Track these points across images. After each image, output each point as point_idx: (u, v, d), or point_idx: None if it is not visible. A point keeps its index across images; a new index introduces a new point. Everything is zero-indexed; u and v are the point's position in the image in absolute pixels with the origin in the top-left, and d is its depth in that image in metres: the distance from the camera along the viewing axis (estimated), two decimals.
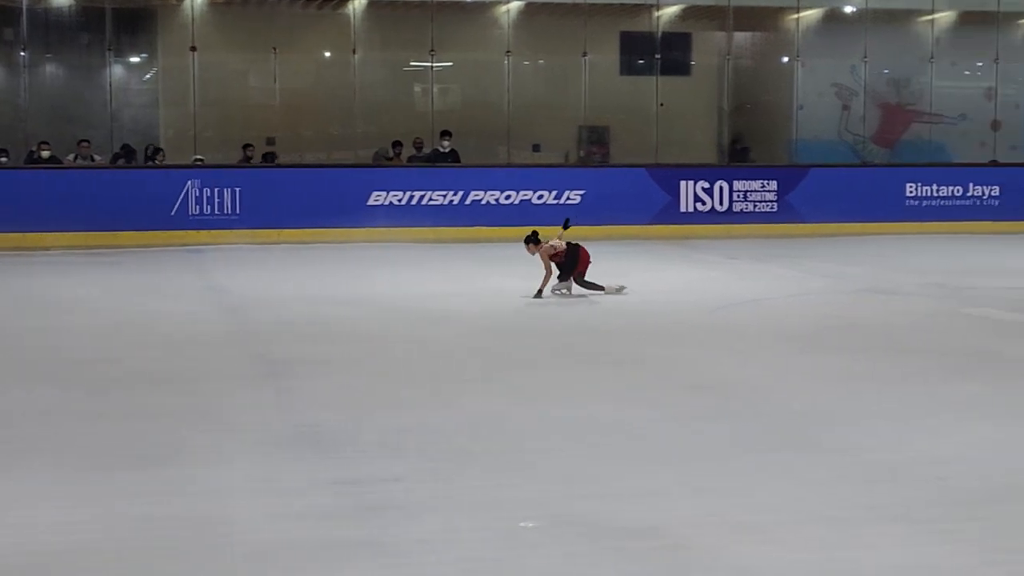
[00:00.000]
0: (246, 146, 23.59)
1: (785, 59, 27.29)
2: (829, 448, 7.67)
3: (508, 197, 22.79)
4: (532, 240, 14.92)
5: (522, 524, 6.18)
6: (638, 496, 6.68)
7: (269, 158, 23.98)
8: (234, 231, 21.67)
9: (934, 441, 7.87)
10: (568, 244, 14.87)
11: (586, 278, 14.82)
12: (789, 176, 24.06)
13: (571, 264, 14.82)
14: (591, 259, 14.97)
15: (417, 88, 26.53)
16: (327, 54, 26.37)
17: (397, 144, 24.09)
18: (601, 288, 14.72)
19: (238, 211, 21.86)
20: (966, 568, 5.61)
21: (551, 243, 14.84)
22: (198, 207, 21.77)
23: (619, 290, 14.79)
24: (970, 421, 8.43)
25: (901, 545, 5.90)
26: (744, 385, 9.66)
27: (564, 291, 14.79)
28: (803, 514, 6.36)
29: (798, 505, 6.50)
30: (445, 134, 23.73)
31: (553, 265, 14.79)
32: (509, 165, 24.08)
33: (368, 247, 21.04)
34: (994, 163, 26.53)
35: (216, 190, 21.81)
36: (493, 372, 10.30)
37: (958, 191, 24.42)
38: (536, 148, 26.14)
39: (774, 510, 6.42)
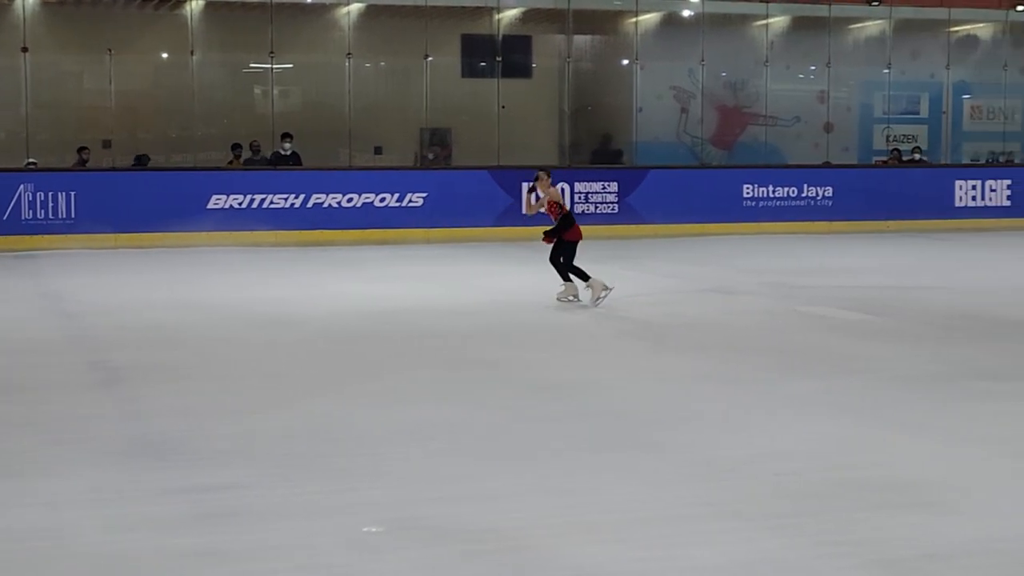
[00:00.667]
0: (81, 149, 23.11)
1: (625, 62, 27.65)
2: (670, 447, 7.81)
3: (350, 200, 22.69)
4: (546, 174, 14.75)
5: (366, 529, 6.19)
6: (483, 498, 6.72)
7: (143, 160, 23.58)
8: (70, 236, 21.20)
9: (773, 438, 8.06)
10: (569, 212, 14.68)
11: (574, 262, 14.38)
12: (629, 178, 24.38)
13: (564, 226, 14.44)
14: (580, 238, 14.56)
15: (257, 90, 26.26)
16: (164, 55, 25.96)
17: (236, 147, 23.83)
18: (587, 277, 14.23)
19: (73, 215, 21.40)
20: (801, 560, 5.76)
21: (559, 198, 14.67)
22: (31, 211, 21.26)
23: (604, 290, 14.22)
24: (807, 418, 8.65)
25: (738, 540, 6.03)
26: (587, 386, 9.78)
27: (571, 297, 14.36)
28: (644, 513, 6.46)
29: (639, 504, 6.61)
30: (286, 136, 23.53)
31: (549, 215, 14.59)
32: (351, 168, 23.98)
33: (208, 251, 20.77)
34: (827, 164, 27.23)
35: (50, 194, 21.33)
36: (337, 376, 10.26)
37: (793, 192, 25.00)
38: (378, 150, 26.07)
39: (616, 510, 6.52)
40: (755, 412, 8.83)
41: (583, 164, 25.86)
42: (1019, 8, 28.05)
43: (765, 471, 7.23)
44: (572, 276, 14.36)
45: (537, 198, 14.79)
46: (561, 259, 14.42)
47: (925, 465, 7.41)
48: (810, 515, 6.43)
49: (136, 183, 22.22)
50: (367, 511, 6.45)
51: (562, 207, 14.67)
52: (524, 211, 14.86)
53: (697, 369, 10.52)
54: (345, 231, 22.39)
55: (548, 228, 14.54)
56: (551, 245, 14.50)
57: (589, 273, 14.29)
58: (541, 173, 14.74)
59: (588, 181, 23.86)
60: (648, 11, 27.27)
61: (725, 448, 7.78)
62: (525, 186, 22.97)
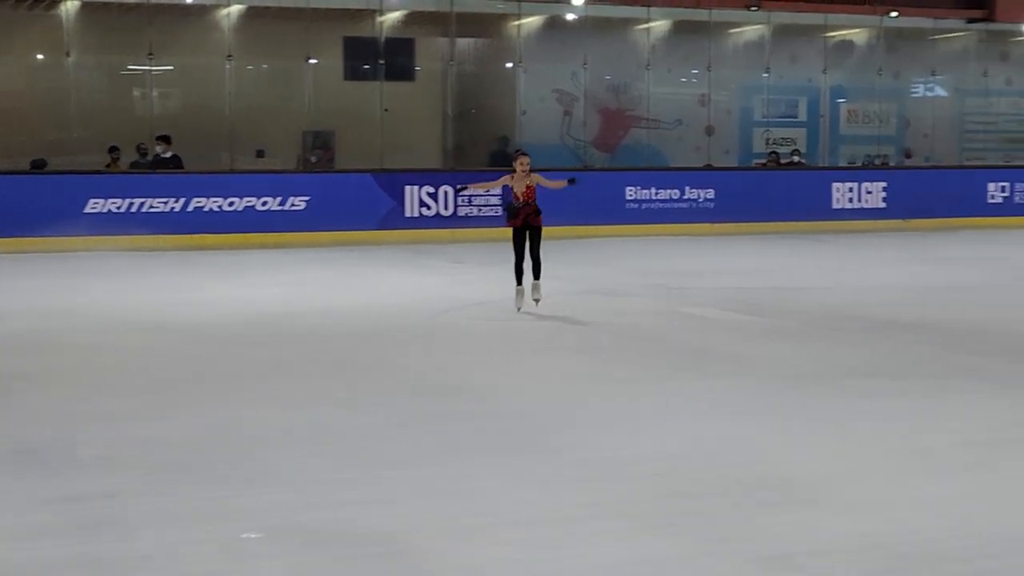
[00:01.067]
0: None
1: (508, 65, 27.69)
2: (557, 448, 7.80)
3: (231, 204, 22.42)
4: (524, 154, 14.14)
5: (245, 535, 6.08)
6: (367, 502, 6.65)
7: (40, 164, 23.05)
8: None
9: (659, 438, 8.08)
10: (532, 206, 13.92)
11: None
12: None
13: (523, 211, 13.84)
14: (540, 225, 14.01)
15: (136, 92, 25.86)
16: (39, 56, 25.44)
17: (114, 149, 23.41)
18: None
19: None
20: (685, 559, 5.78)
21: (537, 181, 14.01)
22: None
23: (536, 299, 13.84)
24: (692, 418, 8.70)
25: (623, 540, 6.03)
26: (472, 388, 9.74)
27: (533, 301, 13.85)
28: (531, 514, 6.44)
29: (526, 506, 6.58)
30: (160, 139, 23.09)
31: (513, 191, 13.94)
32: (232, 171, 23.70)
33: (86, 256, 20.38)
34: (708, 167, 27.53)
35: None
36: (220, 381, 10.11)
37: (675, 194, 25.21)
38: (260, 154, 25.82)
39: (502, 512, 6.49)
40: (641, 413, 8.86)
41: (467, 167, 25.81)
42: (893, 14, 28.60)
43: (651, 471, 7.25)
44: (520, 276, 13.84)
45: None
46: (537, 252, 13.87)
47: (805, 462, 7.48)
48: (694, 514, 6.45)
49: (10, 187, 21.72)
50: (247, 517, 6.34)
51: (529, 192, 13.94)
52: (477, 188, 14.43)
53: (583, 371, 10.54)
54: (226, 235, 22.11)
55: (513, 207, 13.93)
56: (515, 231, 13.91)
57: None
58: (523, 159, 14.03)
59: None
60: (531, 14, 27.35)
61: (612, 449, 7.78)
62: (415, 189, 23.13)
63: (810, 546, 5.94)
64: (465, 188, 14.82)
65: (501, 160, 26.71)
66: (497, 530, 6.18)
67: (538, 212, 14.03)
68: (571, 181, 14.69)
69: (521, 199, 13.95)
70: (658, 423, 8.54)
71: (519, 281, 13.90)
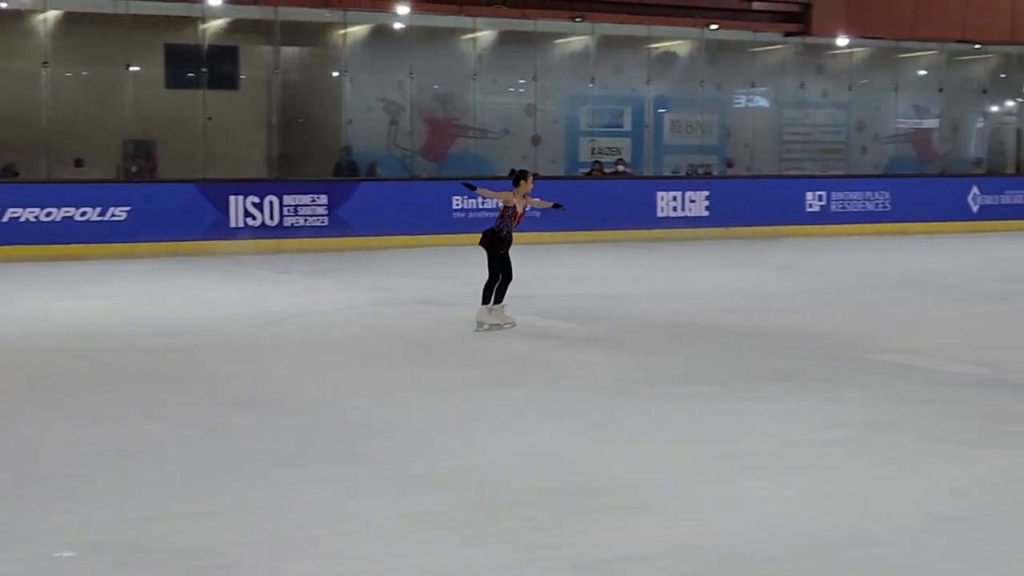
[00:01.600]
0: None
1: (334, 73, 27.53)
2: (379, 459, 7.78)
3: (49, 214, 21.85)
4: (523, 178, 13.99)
5: (57, 555, 5.93)
6: (186, 517, 6.54)
7: (11, 169, 22.16)
8: None
9: (481, 447, 8.12)
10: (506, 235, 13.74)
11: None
12: (340, 190, 24.28)
13: (503, 240, 13.78)
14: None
15: None
16: None
17: None
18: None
19: None
20: (507, 568, 5.81)
21: (524, 202, 13.91)
22: None
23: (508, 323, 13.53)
24: (515, 426, 8.75)
25: (444, 550, 6.05)
26: (293, 399, 9.66)
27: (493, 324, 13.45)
28: (351, 526, 6.41)
29: (347, 517, 6.55)
30: None
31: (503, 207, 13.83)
32: (50, 181, 23.11)
33: None
34: (535, 176, 27.63)
35: None
36: (35, 397, 9.85)
37: (500, 203, 25.27)
38: (79, 163, 25.19)
39: (324, 523, 6.44)
40: (464, 422, 8.88)
41: (293, 177, 25.57)
42: (713, 27, 29.19)
43: (471, 480, 7.28)
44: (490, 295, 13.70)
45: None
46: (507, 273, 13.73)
47: (625, 468, 7.59)
48: (516, 522, 6.50)
49: None
50: (58, 536, 6.19)
51: (514, 210, 13.90)
52: (486, 195, 14.71)
53: (407, 380, 10.53)
54: (44, 247, 21.54)
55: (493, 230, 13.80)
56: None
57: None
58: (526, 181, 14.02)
59: (297, 194, 23.62)
60: (356, 23, 27.24)
61: (432, 459, 7.80)
62: (239, 199, 22.79)
63: (629, 551, 6.03)
64: (473, 188, 14.50)
65: (344, 171, 26.61)
66: (318, 542, 6.14)
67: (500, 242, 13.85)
68: (556, 206, 14.81)
69: (517, 221, 13.86)
70: (479, 432, 8.58)
71: (495, 300, 13.66)
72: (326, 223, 23.78)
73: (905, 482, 7.29)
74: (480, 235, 13.97)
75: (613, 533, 6.30)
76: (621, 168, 28.52)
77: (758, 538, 6.23)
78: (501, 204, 13.95)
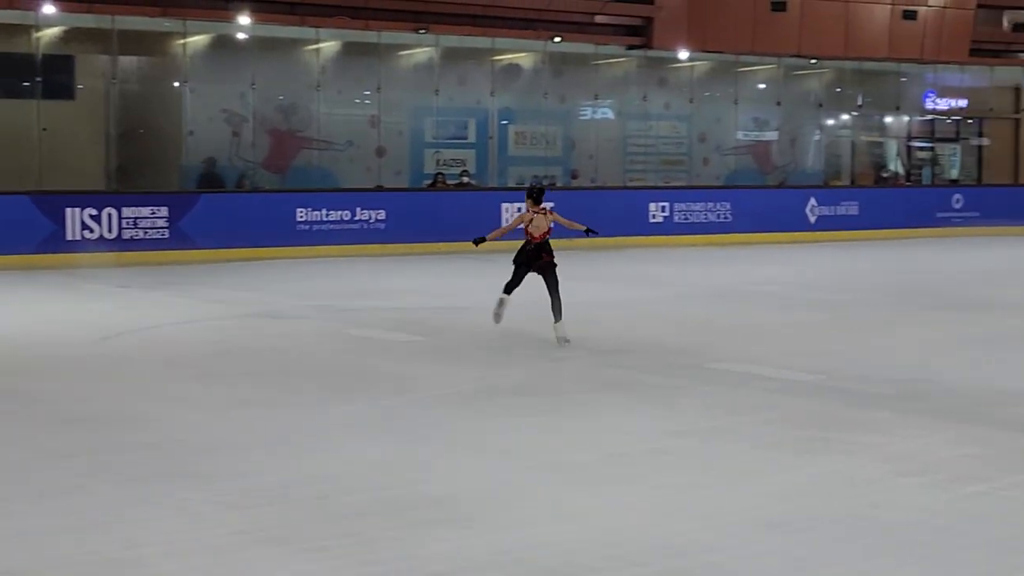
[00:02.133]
0: None
1: (175, 84, 27.12)
2: (211, 476, 7.67)
3: None
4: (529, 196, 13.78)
5: None
6: (15, 537, 6.39)
7: None
8: None
9: (317, 461, 8.07)
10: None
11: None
12: (180, 202, 23.90)
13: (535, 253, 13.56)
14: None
15: None
16: None
17: None
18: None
19: None
20: None
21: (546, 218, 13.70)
22: None
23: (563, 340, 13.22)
24: (352, 439, 8.71)
25: (278, 566, 6.00)
26: (128, 417, 9.49)
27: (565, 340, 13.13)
28: (183, 544, 6.32)
29: (176, 536, 6.45)
30: None
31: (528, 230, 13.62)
32: None
33: None
34: (380, 188, 27.65)
35: None
36: None
37: (347, 215, 25.19)
38: None
39: (156, 542, 6.34)
40: (302, 436, 8.82)
41: (133, 189, 25.12)
42: (556, 40, 29.43)
43: (306, 495, 7.23)
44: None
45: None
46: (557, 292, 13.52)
47: (463, 481, 7.61)
48: (349, 536, 6.47)
49: None
50: None
51: (540, 232, 13.77)
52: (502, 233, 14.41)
53: (245, 395, 10.41)
54: None
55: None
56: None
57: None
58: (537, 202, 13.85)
59: (137, 206, 23.18)
60: (197, 33, 26.88)
61: (268, 474, 7.72)
62: (76, 211, 22.33)
63: (463, 564, 6.05)
64: (483, 240, 14.21)
65: (211, 182, 26.21)
66: (148, 562, 6.05)
67: (551, 251, 13.68)
68: (589, 231, 14.46)
69: (537, 239, 13.64)
70: (317, 445, 8.52)
71: (507, 292, 13.53)
72: (167, 235, 23.39)
73: (737, 489, 7.42)
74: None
75: (447, 546, 6.31)
76: (466, 180, 28.59)
77: (589, 548, 6.29)
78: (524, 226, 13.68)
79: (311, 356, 12.65)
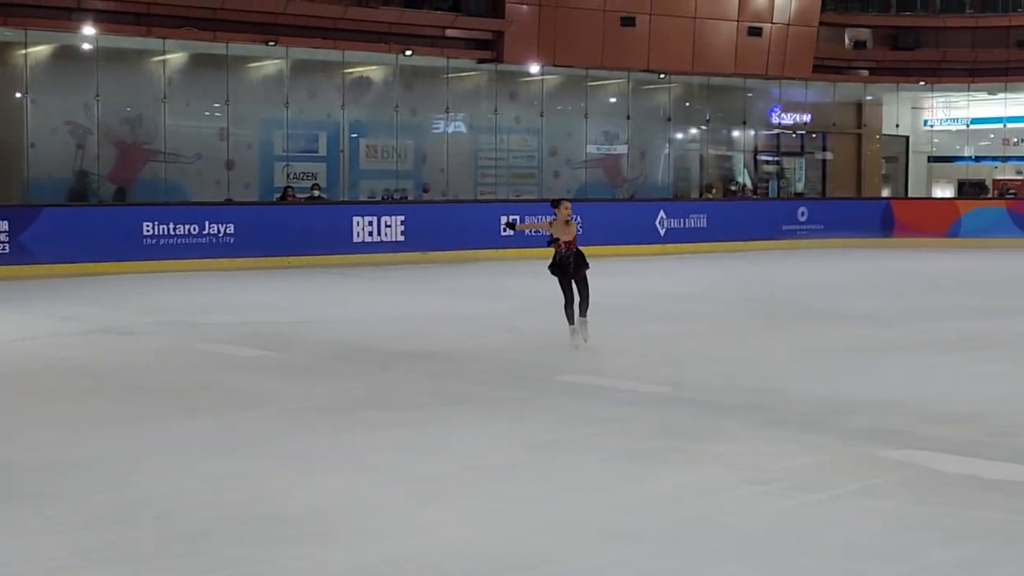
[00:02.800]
0: None
1: (16, 95, 26.48)
2: (50, 497, 7.49)
3: None
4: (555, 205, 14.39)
5: None
6: None
7: None
8: None
9: (163, 479, 7.93)
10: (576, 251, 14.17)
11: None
12: (21, 216, 23.35)
13: (577, 264, 14.14)
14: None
15: None
16: None
17: None
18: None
19: None
20: None
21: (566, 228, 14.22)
22: None
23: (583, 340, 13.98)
24: (200, 456, 8.58)
25: None
26: None
27: (583, 340, 13.91)
28: (23, 567, 6.16)
29: (20, 558, 6.29)
30: None
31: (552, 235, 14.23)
32: None
33: None
34: (229, 201, 27.34)
35: None
36: None
37: (195, 229, 24.85)
38: None
39: None
40: (146, 453, 8.66)
41: None
42: (407, 53, 29.40)
43: (150, 513, 7.11)
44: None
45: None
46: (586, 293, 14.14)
47: (314, 496, 7.54)
48: (195, 555, 6.37)
49: None
50: None
51: (567, 242, 14.26)
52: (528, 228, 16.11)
53: (89, 413, 10.20)
54: None
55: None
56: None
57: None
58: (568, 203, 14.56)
59: None
60: (39, 43, 26.31)
61: (110, 493, 7.57)
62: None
63: None
64: (513, 226, 15.34)
65: (80, 195, 25.60)
66: None
67: (583, 257, 14.22)
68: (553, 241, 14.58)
69: (565, 248, 14.12)
70: (162, 463, 8.38)
71: (571, 320, 14.08)
72: (7, 250, 22.83)
73: (583, 500, 7.47)
74: None
75: (299, 562, 6.24)
76: (316, 193, 28.37)
77: (437, 562, 6.28)
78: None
79: (158, 372, 12.44)
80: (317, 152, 30.28)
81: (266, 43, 27.67)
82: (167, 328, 15.67)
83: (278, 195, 28.42)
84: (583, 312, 14.09)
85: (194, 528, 6.83)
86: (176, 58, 28.13)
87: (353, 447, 8.92)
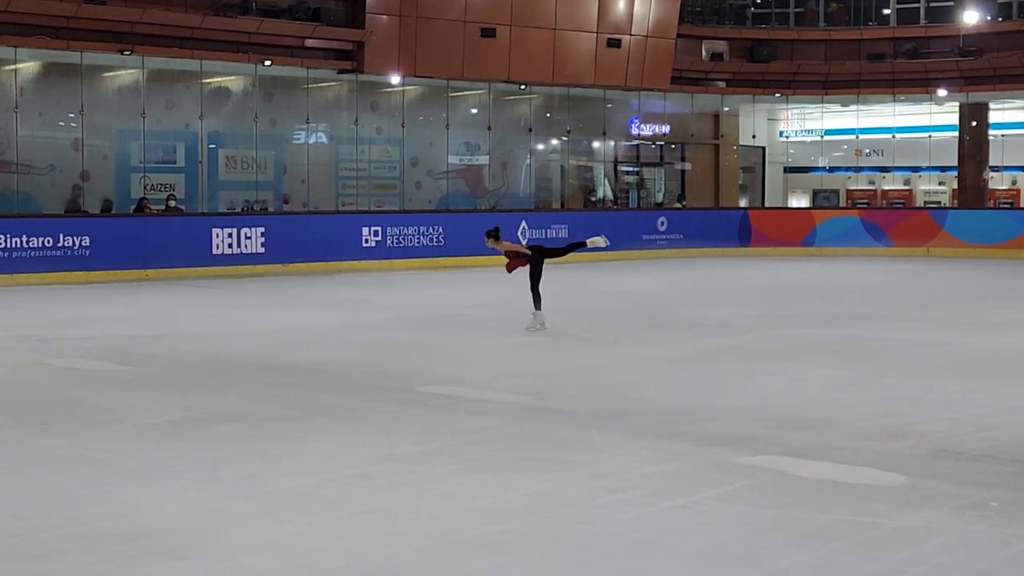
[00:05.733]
0: None
1: None
2: None
3: None
4: (493, 235, 16.73)
5: None
6: None
7: None
8: None
9: (9, 498, 7.76)
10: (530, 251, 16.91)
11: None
12: None
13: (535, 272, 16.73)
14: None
15: None
16: None
17: None
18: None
19: None
20: None
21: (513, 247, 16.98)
22: None
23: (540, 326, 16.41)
24: (48, 474, 8.42)
25: None
26: None
27: (539, 327, 16.34)
28: None
29: None
30: None
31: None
32: None
33: None
34: (84, 213, 26.85)
35: None
36: None
37: (48, 242, 24.35)
38: None
39: None
40: None
41: None
42: (267, 63, 29.17)
43: (6, 532, 6.94)
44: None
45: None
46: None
47: (169, 512, 7.44)
48: (52, 574, 6.23)
49: None
50: None
51: (521, 253, 16.96)
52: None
53: None
54: None
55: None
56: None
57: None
58: (487, 238, 16.82)
59: None
60: None
61: None
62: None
63: None
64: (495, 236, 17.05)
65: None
66: None
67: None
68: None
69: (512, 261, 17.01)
70: (16, 480, 8.21)
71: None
72: None
73: (444, 511, 7.48)
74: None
75: None
76: (173, 204, 27.94)
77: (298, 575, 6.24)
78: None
79: (7, 388, 12.15)
80: (175, 163, 29.89)
81: (121, 52, 27.22)
82: (18, 343, 15.34)
83: (134, 207, 27.94)
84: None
85: (48, 547, 6.69)
86: (28, 67, 27.57)
87: (209, 461, 8.82)
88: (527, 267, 16.80)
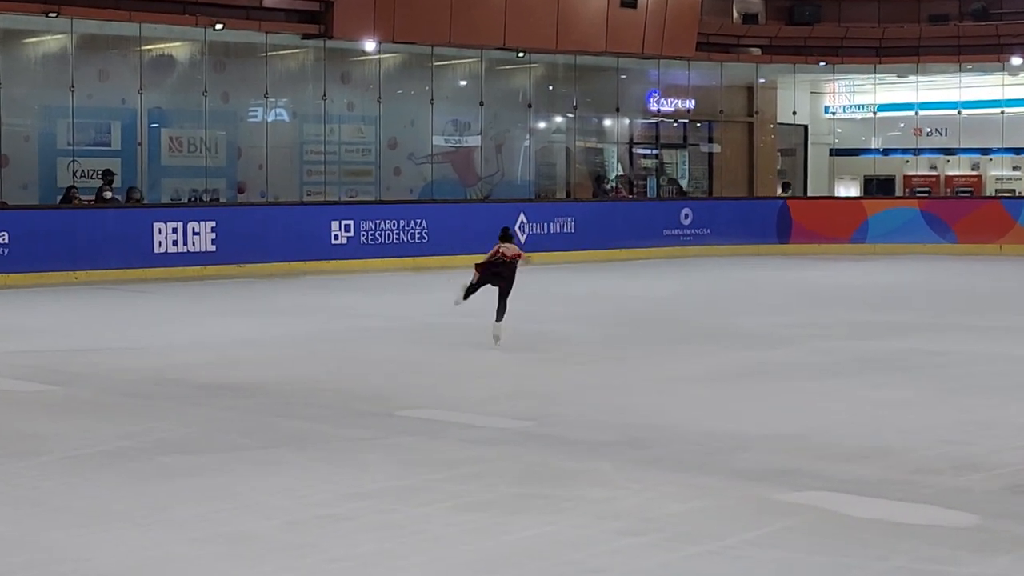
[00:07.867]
0: None
1: None
2: None
3: None
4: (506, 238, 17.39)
5: None
6: None
7: None
8: None
9: None
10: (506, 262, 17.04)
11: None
12: None
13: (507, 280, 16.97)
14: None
15: None
16: None
17: None
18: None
19: None
20: None
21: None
22: None
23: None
24: None
25: None
26: None
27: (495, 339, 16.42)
28: None
29: None
30: None
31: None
32: None
33: None
34: (3, 205, 26.84)
35: None
36: None
37: None
38: None
39: None
40: None
41: None
42: (218, 27, 28.98)
43: None
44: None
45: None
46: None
47: (109, 557, 7.48)
48: None
49: None
50: None
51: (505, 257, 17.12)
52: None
53: None
54: None
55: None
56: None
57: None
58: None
59: None
60: None
61: None
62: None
63: None
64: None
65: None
66: None
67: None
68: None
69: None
70: None
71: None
72: None
73: (431, 558, 7.49)
74: None
75: None
76: (108, 195, 27.85)
77: None
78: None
79: None
80: (110, 145, 29.84)
81: (46, 14, 27.13)
82: None
83: (60, 197, 27.91)
84: (499, 318, 16.52)
85: None
86: None
87: (154, 499, 8.83)
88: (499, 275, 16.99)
